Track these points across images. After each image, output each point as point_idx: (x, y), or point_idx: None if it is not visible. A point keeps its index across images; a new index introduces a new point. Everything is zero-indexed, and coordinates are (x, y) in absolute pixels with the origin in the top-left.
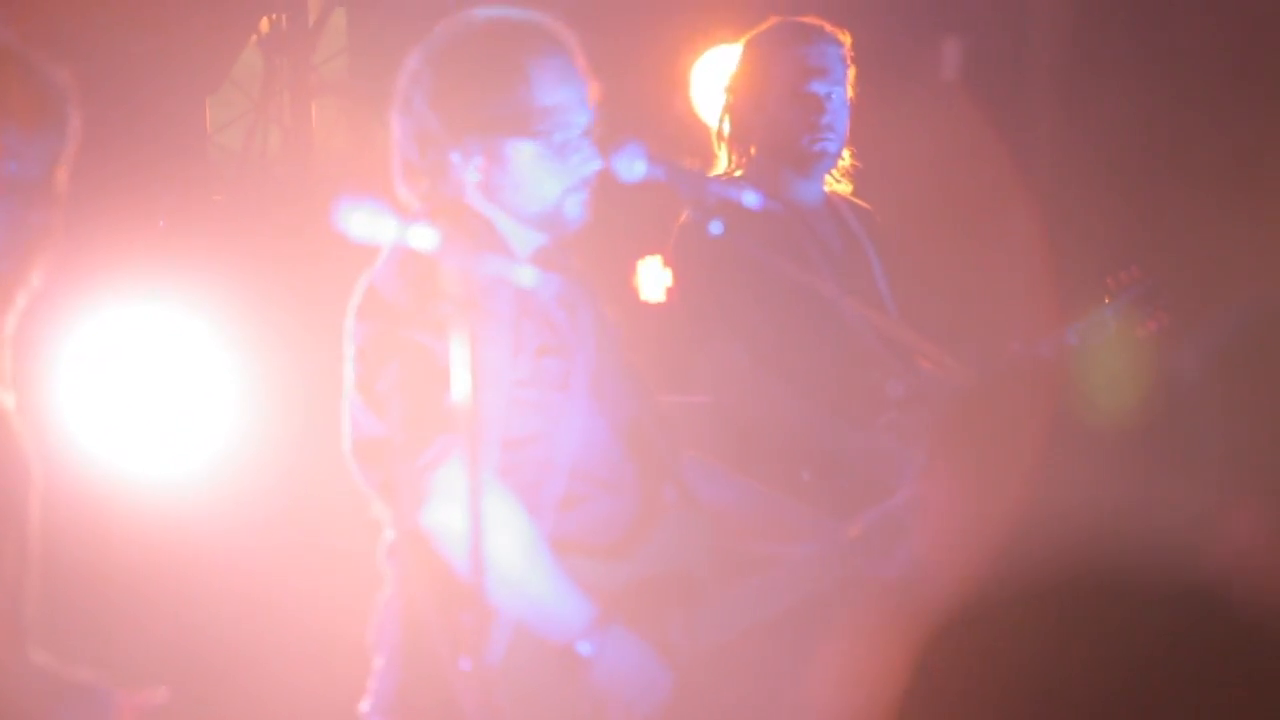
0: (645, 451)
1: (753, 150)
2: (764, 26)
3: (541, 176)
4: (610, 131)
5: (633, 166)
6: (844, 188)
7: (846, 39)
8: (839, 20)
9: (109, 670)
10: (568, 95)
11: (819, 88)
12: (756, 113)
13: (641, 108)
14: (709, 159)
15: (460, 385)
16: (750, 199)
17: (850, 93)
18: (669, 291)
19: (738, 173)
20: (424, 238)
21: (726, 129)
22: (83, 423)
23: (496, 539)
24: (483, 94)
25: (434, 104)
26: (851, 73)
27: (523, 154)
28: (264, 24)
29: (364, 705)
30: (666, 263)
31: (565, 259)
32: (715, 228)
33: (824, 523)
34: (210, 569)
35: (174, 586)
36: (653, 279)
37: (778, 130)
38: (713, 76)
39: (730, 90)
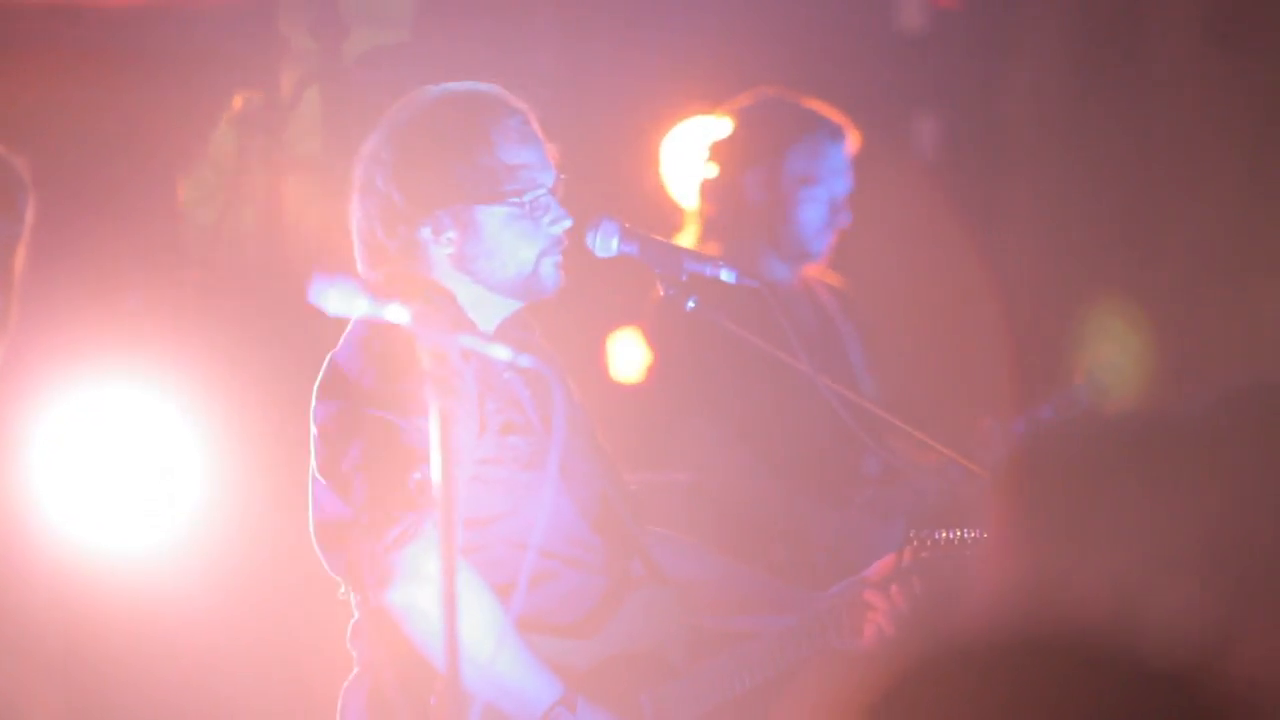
0: (612, 528)
1: (733, 228)
2: (760, 102)
3: (515, 240)
4: (583, 207)
5: (608, 243)
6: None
7: (850, 131)
8: (810, 92)
9: None
10: (530, 155)
11: (821, 190)
12: (745, 195)
13: (614, 181)
14: (675, 233)
15: (432, 462)
16: (726, 275)
17: (849, 186)
18: (645, 368)
19: (710, 248)
20: (398, 314)
21: (707, 204)
22: (49, 502)
23: (463, 619)
24: (447, 163)
25: (398, 181)
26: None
27: (494, 219)
28: (237, 101)
29: None
30: (641, 339)
31: (529, 335)
32: (690, 303)
33: (796, 595)
34: (175, 650)
35: (137, 664)
36: (625, 354)
37: (769, 220)
38: (687, 148)
39: (717, 165)
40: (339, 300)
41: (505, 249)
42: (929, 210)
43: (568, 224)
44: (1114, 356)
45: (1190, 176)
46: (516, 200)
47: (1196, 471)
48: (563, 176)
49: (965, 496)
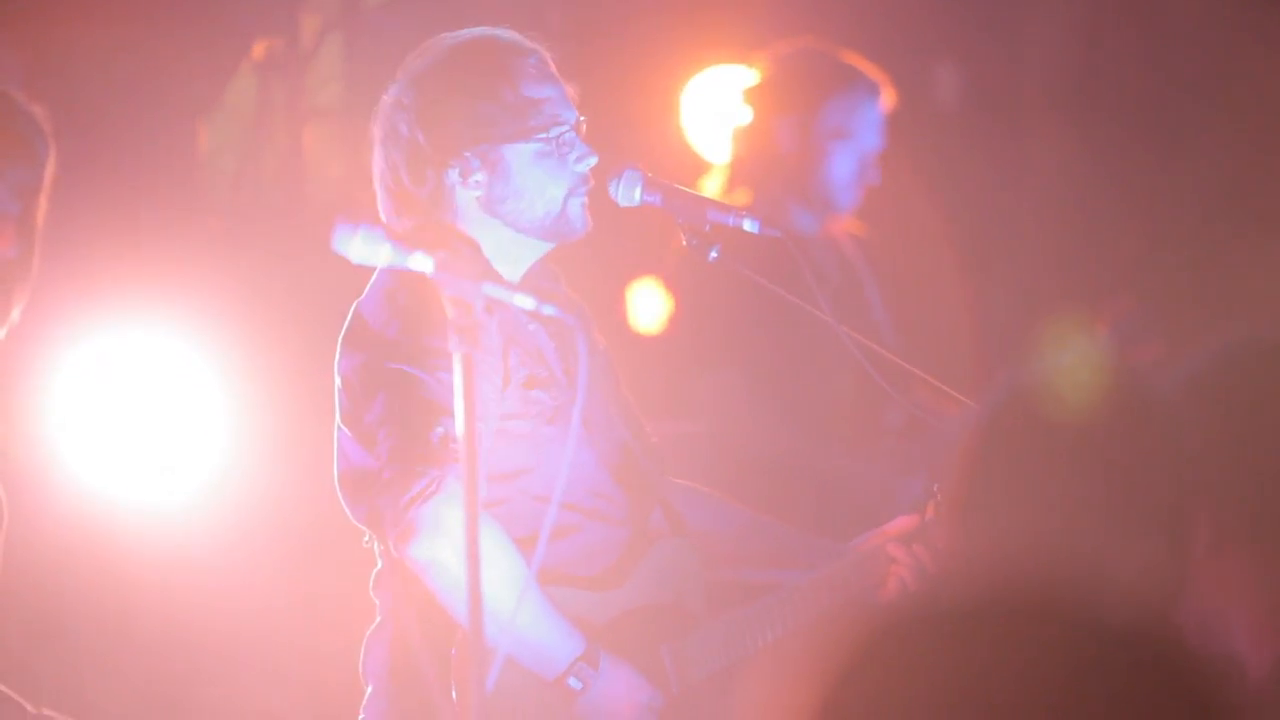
0: (634, 480)
1: (762, 176)
2: (798, 52)
3: (543, 178)
4: (606, 157)
5: (630, 192)
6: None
7: (886, 89)
8: (831, 41)
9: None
10: (551, 91)
11: (853, 145)
12: (776, 143)
13: (636, 131)
14: (698, 183)
15: (456, 413)
16: (749, 225)
17: (881, 144)
18: (667, 318)
19: (737, 196)
20: (422, 262)
21: (737, 150)
22: (73, 451)
23: (485, 574)
24: (470, 103)
25: (423, 125)
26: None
27: (522, 157)
28: (258, 48)
29: None
30: (663, 289)
31: (555, 286)
32: (712, 254)
33: (818, 548)
34: (200, 596)
35: (163, 612)
36: (647, 304)
37: (798, 171)
38: (712, 97)
39: (750, 111)
40: (362, 248)
41: (534, 187)
42: (952, 158)
43: (593, 161)
44: (1137, 308)
45: (1210, 124)
46: (543, 135)
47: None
48: (583, 117)
49: None
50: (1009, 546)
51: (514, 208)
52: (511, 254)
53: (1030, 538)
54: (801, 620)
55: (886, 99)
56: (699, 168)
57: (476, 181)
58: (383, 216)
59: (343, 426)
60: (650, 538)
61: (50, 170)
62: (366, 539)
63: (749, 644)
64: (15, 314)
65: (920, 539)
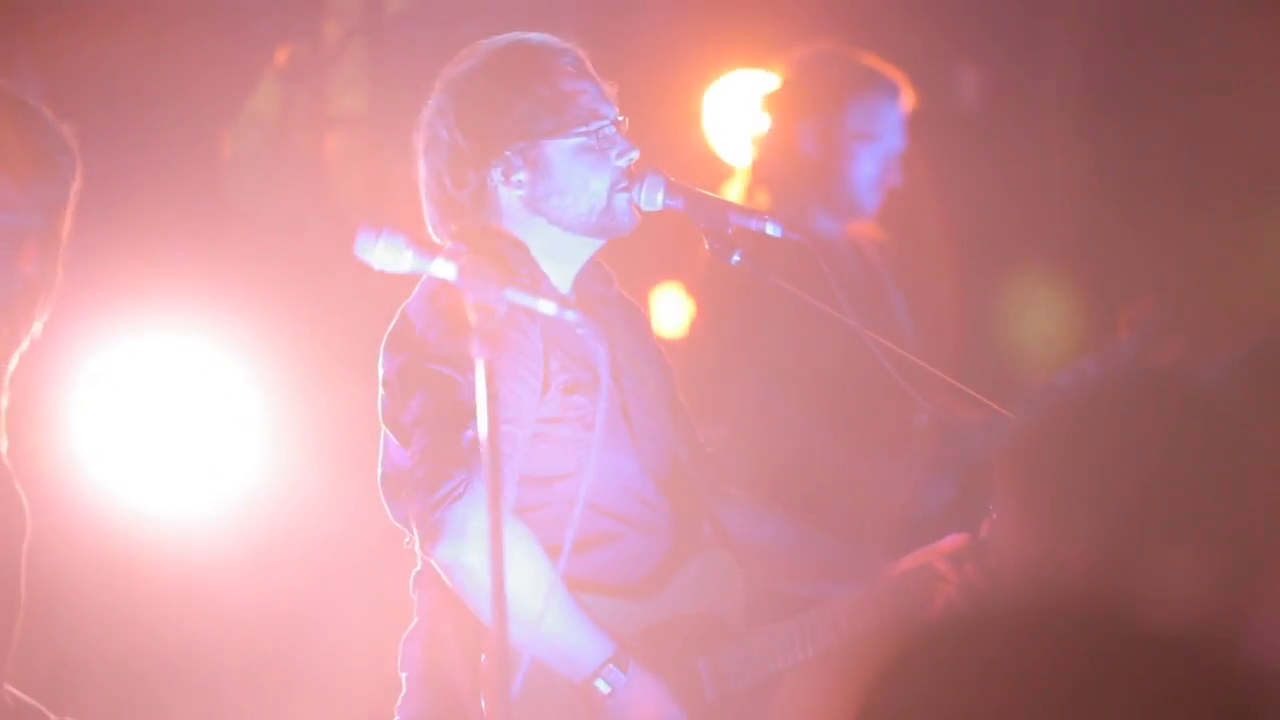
0: (680, 489)
1: (784, 180)
2: (818, 55)
3: (585, 173)
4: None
5: (653, 197)
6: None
7: (906, 90)
8: (849, 45)
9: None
10: (589, 87)
11: (876, 147)
12: (798, 147)
13: (658, 135)
14: (721, 187)
15: (478, 417)
16: (772, 229)
17: (902, 145)
18: (690, 322)
19: (758, 200)
20: (444, 269)
21: (758, 154)
22: (99, 461)
23: (511, 576)
24: (508, 102)
25: (462, 127)
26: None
27: (562, 153)
28: (281, 54)
29: None
30: (686, 293)
31: (608, 289)
32: (735, 258)
33: (867, 562)
34: (239, 592)
35: (192, 622)
36: (670, 309)
37: (821, 174)
38: (734, 101)
39: (771, 115)
40: (384, 255)
41: (576, 183)
42: (974, 161)
43: (634, 155)
44: (1157, 308)
45: (1238, 124)
46: (582, 129)
47: (1212, 436)
48: (623, 117)
49: None
50: (1069, 559)
51: (558, 204)
52: (560, 253)
53: (1089, 549)
54: (845, 635)
55: (907, 100)
56: (720, 172)
57: (519, 180)
58: (429, 226)
59: (384, 427)
60: (696, 548)
61: (76, 188)
62: (407, 540)
63: (789, 657)
64: (37, 328)
65: (972, 557)
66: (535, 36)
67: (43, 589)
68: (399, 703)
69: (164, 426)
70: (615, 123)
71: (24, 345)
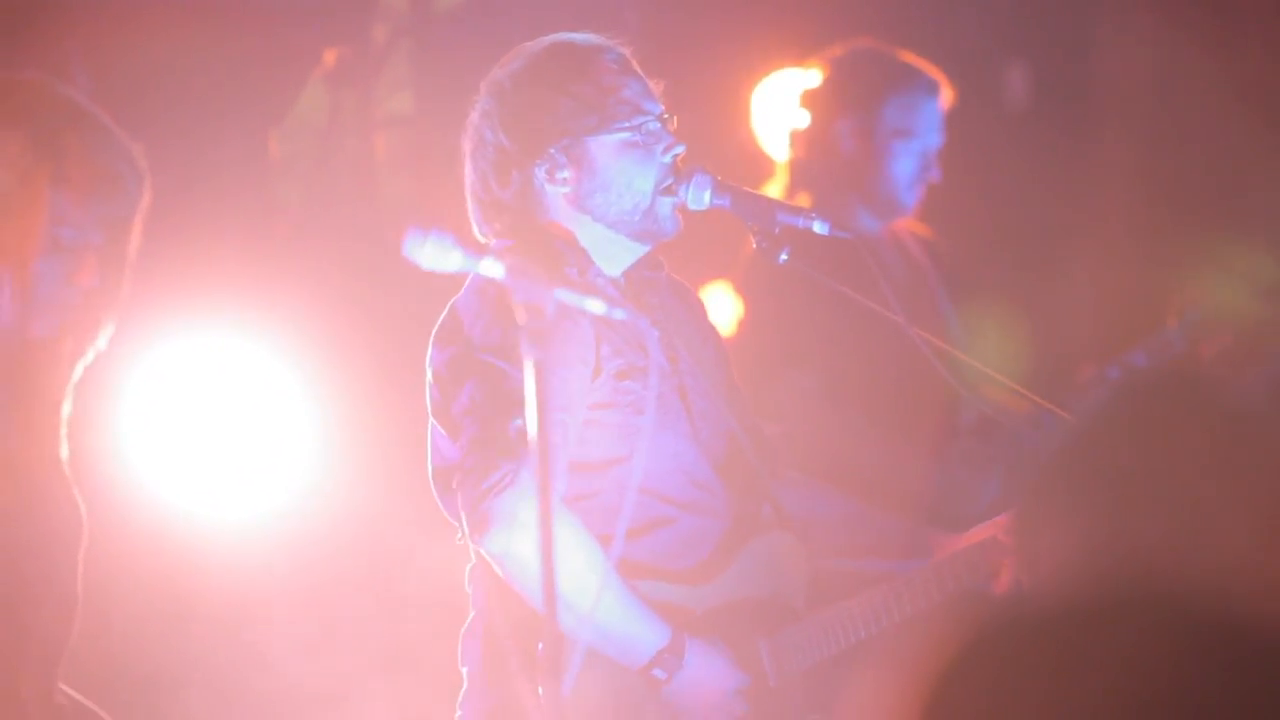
0: (737, 471)
1: (823, 178)
2: (855, 53)
3: (630, 169)
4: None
5: (700, 196)
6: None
7: (945, 87)
8: (899, 43)
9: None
10: (633, 84)
11: (915, 144)
12: (837, 145)
13: (702, 135)
14: (766, 184)
15: (530, 411)
16: (819, 227)
17: (941, 142)
18: (738, 321)
19: (799, 199)
20: (492, 268)
21: (798, 153)
22: (155, 465)
23: (563, 566)
24: (551, 100)
25: (505, 127)
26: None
27: (606, 149)
28: (329, 56)
29: None
30: (735, 292)
31: (657, 274)
32: (782, 256)
33: (928, 536)
34: (294, 594)
35: (255, 611)
36: (718, 307)
37: (860, 172)
38: (778, 100)
39: (809, 113)
40: (433, 254)
41: (621, 180)
42: (1020, 158)
43: (680, 150)
44: (1206, 299)
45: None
46: (626, 125)
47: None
48: (670, 114)
49: None
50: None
51: (602, 201)
52: (608, 253)
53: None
54: (909, 613)
55: (945, 97)
56: (767, 170)
57: (564, 178)
58: (474, 227)
59: (434, 422)
60: (755, 529)
61: (143, 206)
62: (459, 536)
63: (853, 637)
64: (102, 340)
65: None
66: (579, 36)
67: (97, 593)
68: (460, 698)
69: (214, 430)
70: (660, 118)
71: (88, 357)
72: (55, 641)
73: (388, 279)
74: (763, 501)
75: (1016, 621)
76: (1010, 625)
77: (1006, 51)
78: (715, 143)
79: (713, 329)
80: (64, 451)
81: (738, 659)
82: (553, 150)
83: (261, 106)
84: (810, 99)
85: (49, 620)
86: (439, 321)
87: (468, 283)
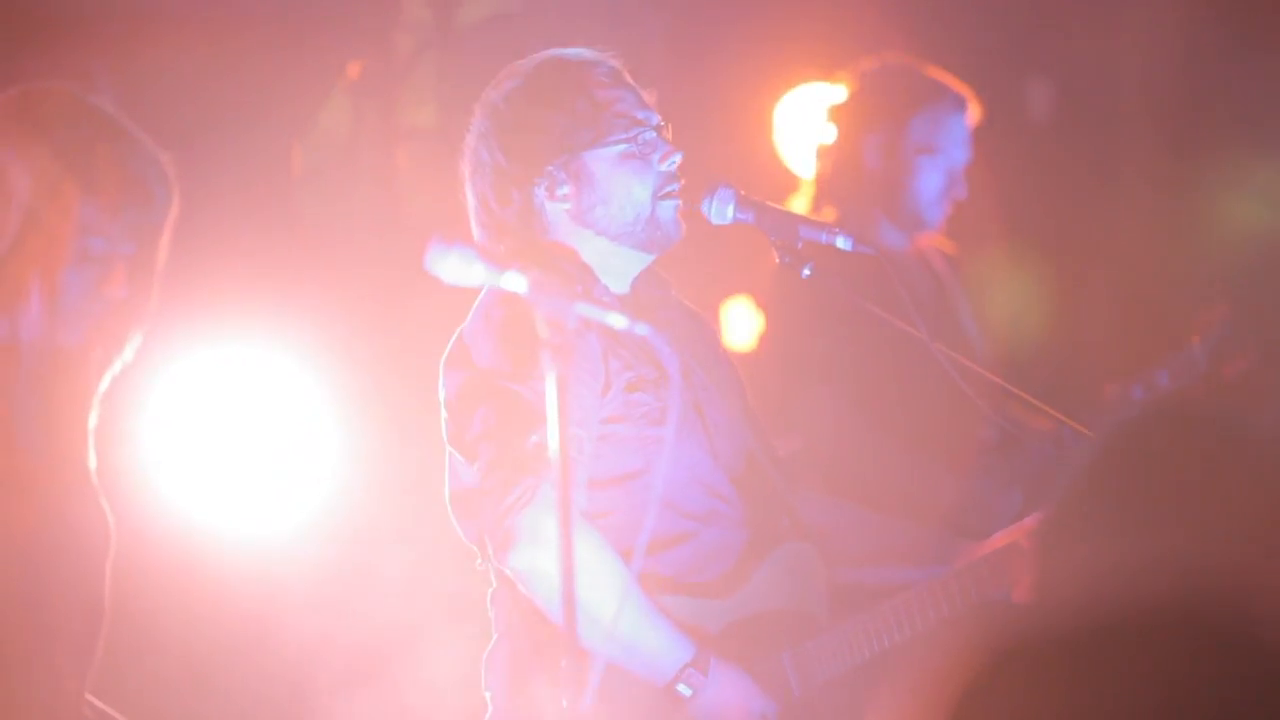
0: (756, 487)
1: (849, 193)
2: (883, 68)
3: (628, 180)
4: (699, 174)
5: (723, 210)
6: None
7: (972, 103)
8: (922, 58)
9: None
10: (627, 96)
11: (941, 160)
12: (863, 160)
13: (725, 149)
14: (790, 199)
15: (549, 429)
16: (842, 242)
17: (968, 158)
18: (760, 335)
19: (824, 214)
20: (515, 282)
21: (824, 168)
22: (182, 476)
23: (585, 581)
24: (546, 117)
25: (503, 147)
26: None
27: (604, 162)
28: (352, 69)
29: None
30: (757, 307)
31: (665, 293)
32: (806, 271)
33: (950, 546)
34: (318, 612)
35: (280, 625)
36: (741, 322)
37: (886, 187)
38: (803, 114)
39: (836, 128)
40: (455, 268)
41: (620, 191)
42: (1042, 175)
43: (678, 158)
44: (1228, 317)
45: None
46: (622, 137)
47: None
48: (665, 122)
49: None
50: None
51: (603, 214)
52: (612, 267)
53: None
54: (932, 621)
55: (972, 112)
56: (787, 186)
57: (564, 194)
58: (478, 241)
59: (450, 447)
60: (774, 541)
61: (172, 215)
62: (479, 562)
63: (876, 646)
64: (129, 351)
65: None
66: (570, 51)
67: (124, 604)
68: (488, 717)
69: (240, 441)
70: (656, 128)
71: (116, 367)
72: (83, 651)
73: (411, 292)
74: (781, 513)
75: (1038, 633)
76: (1032, 637)
77: (1029, 66)
78: (739, 157)
79: (726, 353)
80: (92, 461)
81: (762, 673)
82: (551, 167)
83: (286, 117)
84: (837, 114)
85: (76, 630)
86: (447, 350)
87: (474, 309)
